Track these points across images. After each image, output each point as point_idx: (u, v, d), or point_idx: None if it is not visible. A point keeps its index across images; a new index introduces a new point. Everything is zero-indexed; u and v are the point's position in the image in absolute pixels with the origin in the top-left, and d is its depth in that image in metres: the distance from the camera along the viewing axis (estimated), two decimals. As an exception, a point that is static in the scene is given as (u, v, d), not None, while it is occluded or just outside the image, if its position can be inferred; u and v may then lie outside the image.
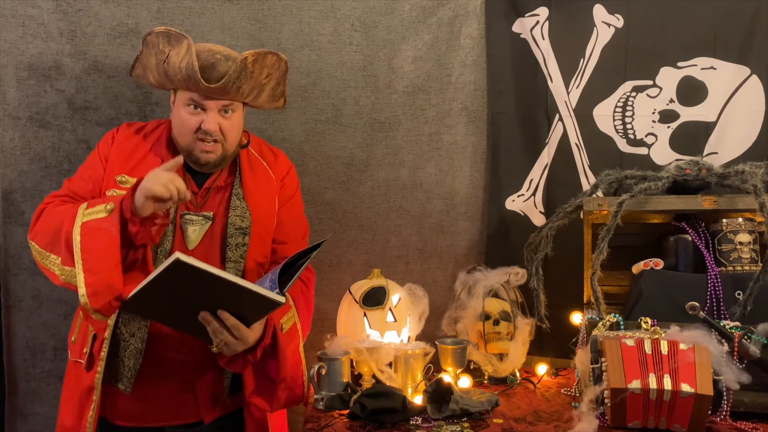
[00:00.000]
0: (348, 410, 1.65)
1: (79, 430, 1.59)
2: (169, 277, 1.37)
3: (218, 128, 1.61)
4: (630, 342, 1.56)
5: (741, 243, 1.83)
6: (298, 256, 1.56)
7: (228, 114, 1.63)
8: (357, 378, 1.88)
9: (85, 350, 1.61)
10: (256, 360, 1.57)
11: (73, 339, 1.70)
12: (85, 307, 1.46)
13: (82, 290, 1.44)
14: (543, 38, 2.22)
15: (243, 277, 1.66)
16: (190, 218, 1.66)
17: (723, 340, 1.61)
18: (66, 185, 1.68)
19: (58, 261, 1.53)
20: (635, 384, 1.50)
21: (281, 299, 1.44)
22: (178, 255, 1.33)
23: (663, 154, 2.22)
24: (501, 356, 1.97)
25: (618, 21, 2.21)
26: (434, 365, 1.88)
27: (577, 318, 2.04)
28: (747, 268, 1.81)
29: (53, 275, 1.56)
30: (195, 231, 1.65)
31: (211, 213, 1.67)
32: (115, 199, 1.51)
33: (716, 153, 2.19)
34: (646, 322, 1.65)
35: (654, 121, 2.22)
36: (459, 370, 1.91)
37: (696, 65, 2.19)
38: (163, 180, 1.44)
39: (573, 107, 2.23)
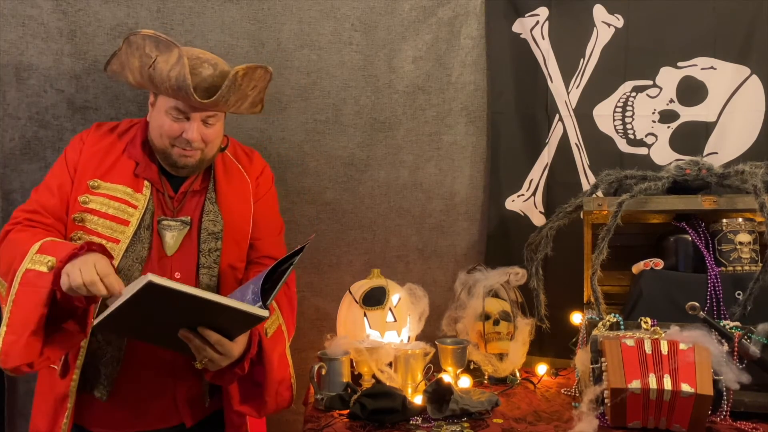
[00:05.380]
0: (348, 410, 1.65)
1: None
2: (141, 299, 1.32)
3: (200, 137, 1.59)
4: (630, 342, 1.56)
5: (741, 243, 1.83)
6: (280, 262, 1.51)
7: (210, 123, 1.61)
8: (357, 378, 1.88)
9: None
10: (245, 372, 1.53)
11: None
12: None
13: None
14: (543, 38, 2.22)
15: (218, 281, 1.63)
16: (168, 224, 1.63)
17: (723, 340, 1.61)
18: (33, 197, 1.63)
19: (4, 294, 1.49)
20: (635, 384, 1.50)
21: (264, 313, 1.39)
22: (150, 277, 1.28)
23: (663, 154, 2.22)
24: (501, 356, 1.97)
25: (618, 21, 2.21)
26: (434, 365, 1.88)
27: (577, 318, 2.04)
28: (747, 268, 1.80)
29: (4, 306, 1.49)
30: (173, 237, 1.63)
31: (189, 218, 1.65)
32: (60, 252, 1.43)
33: (716, 153, 2.18)
34: (646, 322, 1.65)
35: (654, 121, 2.22)
36: (459, 370, 1.91)
37: (696, 65, 2.19)
38: (89, 278, 1.34)
39: (573, 107, 2.23)
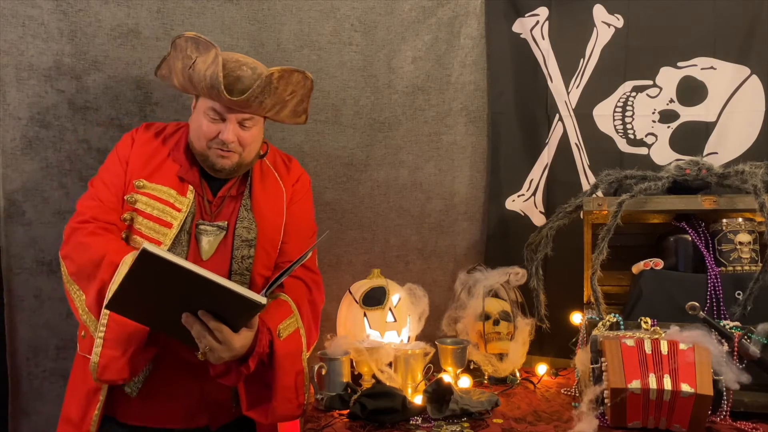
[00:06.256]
0: (348, 410, 1.65)
1: (83, 427, 1.58)
2: (140, 271, 1.31)
3: (236, 139, 1.59)
4: (630, 342, 1.56)
5: (741, 243, 1.83)
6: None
7: (247, 126, 1.61)
8: (357, 378, 1.88)
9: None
10: (250, 372, 1.49)
11: (82, 334, 1.66)
12: (91, 371, 1.46)
13: (95, 357, 1.44)
14: (543, 38, 2.23)
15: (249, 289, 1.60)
16: (205, 228, 1.63)
17: (723, 340, 1.61)
18: (92, 192, 1.63)
19: (83, 298, 1.51)
20: (635, 384, 1.50)
21: (260, 299, 1.35)
22: (145, 245, 1.28)
23: (663, 154, 2.22)
24: (501, 356, 1.97)
25: (618, 21, 2.21)
26: (434, 365, 1.88)
27: (577, 318, 2.04)
28: (747, 268, 1.80)
29: (74, 307, 1.54)
30: (209, 242, 1.63)
31: (226, 223, 1.65)
32: None
33: (716, 153, 2.19)
34: (646, 322, 1.65)
35: (654, 121, 2.22)
36: (459, 370, 1.91)
37: (696, 65, 2.19)
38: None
39: (573, 107, 2.23)
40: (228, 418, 1.68)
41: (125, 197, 1.60)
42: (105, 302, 1.43)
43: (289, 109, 1.67)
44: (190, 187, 1.64)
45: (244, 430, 1.68)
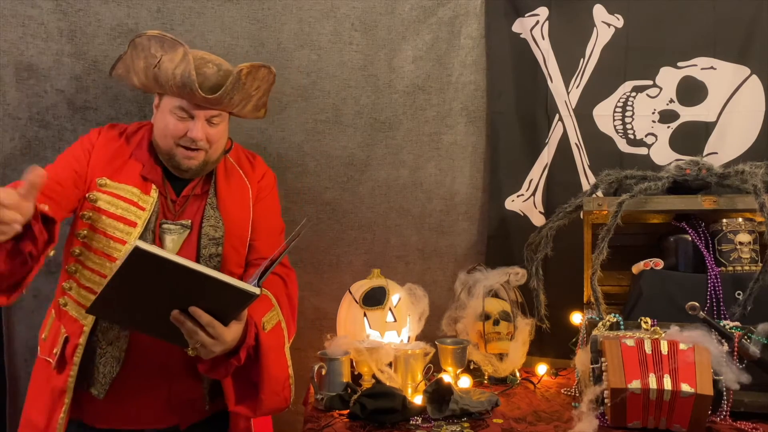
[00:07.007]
0: (348, 410, 1.65)
1: (48, 431, 1.56)
2: (131, 270, 1.28)
3: (205, 137, 1.60)
4: (630, 342, 1.56)
5: (741, 243, 1.83)
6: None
7: (215, 123, 1.62)
8: (357, 378, 1.88)
9: (54, 351, 1.58)
10: (241, 363, 1.48)
11: (43, 336, 1.67)
12: None
13: None
14: (543, 38, 2.22)
15: None
16: (168, 227, 1.63)
17: (723, 340, 1.61)
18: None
19: None
20: (635, 384, 1.50)
21: (255, 290, 1.34)
22: (137, 243, 1.25)
23: (663, 154, 2.22)
24: (501, 356, 1.97)
25: (618, 21, 2.21)
26: (434, 365, 1.88)
27: (577, 318, 2.04)
28: (747, 268, 1.80)
29: None
30: (173, 240, 1.63)
31: (190, 221, 1.64)
32: None
33: (716, 153, 2.19)
34: (646, 322, 1.65)
35: (654, 121, 2.22)
36: (459, 370, 1.91)
37: (696, 65, 2.19)
38: None
39: (573, 107, 2.23)
40: (198, 417, 1.67)
41: (87, 195, 1.58)
42: (89, 307, 1.39)
43: (252, 103, 1.68)
44: (154, 186, 1.64)
45: (214, 428, 1.68)
